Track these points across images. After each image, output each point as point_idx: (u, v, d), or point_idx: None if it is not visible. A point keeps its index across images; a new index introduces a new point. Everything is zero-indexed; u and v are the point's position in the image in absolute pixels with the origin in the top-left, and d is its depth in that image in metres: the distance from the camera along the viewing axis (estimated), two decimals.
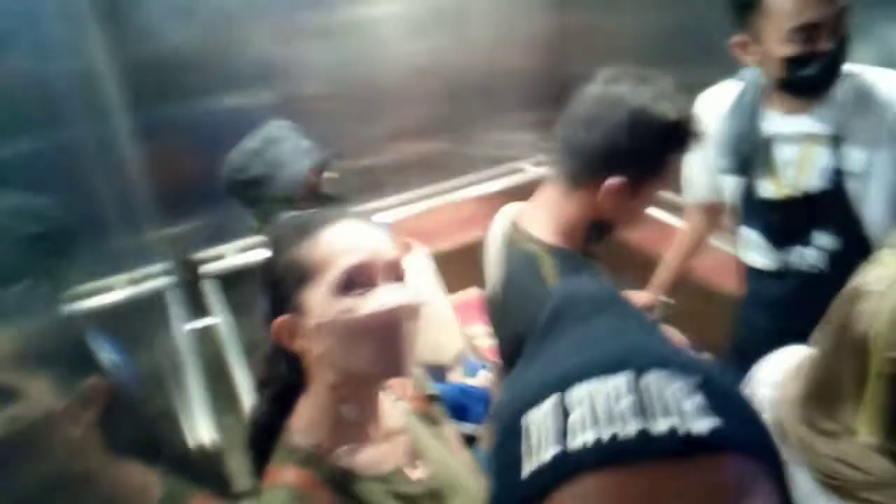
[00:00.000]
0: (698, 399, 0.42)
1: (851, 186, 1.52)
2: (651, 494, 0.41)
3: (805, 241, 1.62)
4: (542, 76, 2.93)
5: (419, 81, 2.65)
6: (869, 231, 1.53)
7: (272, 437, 1.00)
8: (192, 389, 1.66)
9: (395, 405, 1.15)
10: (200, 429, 1.48)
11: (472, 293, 2.88)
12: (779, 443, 0.95)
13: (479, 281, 2.85)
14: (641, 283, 2.12)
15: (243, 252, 2.46)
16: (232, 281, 2.37)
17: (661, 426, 0.41)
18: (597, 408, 0.43)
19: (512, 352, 1.29)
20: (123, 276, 1.11)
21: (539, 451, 0.44)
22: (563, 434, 0.43)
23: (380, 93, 2.59)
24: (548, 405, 0.45)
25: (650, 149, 1.16)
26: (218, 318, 2.19)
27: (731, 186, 1.71)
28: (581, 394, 0.44)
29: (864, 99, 1.48)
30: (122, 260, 1.06)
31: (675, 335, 1.57)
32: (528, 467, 0.44)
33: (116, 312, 1.05)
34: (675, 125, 1.15)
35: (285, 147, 1.61)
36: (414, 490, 1.05)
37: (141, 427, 0.96)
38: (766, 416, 0.99)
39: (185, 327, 2.03)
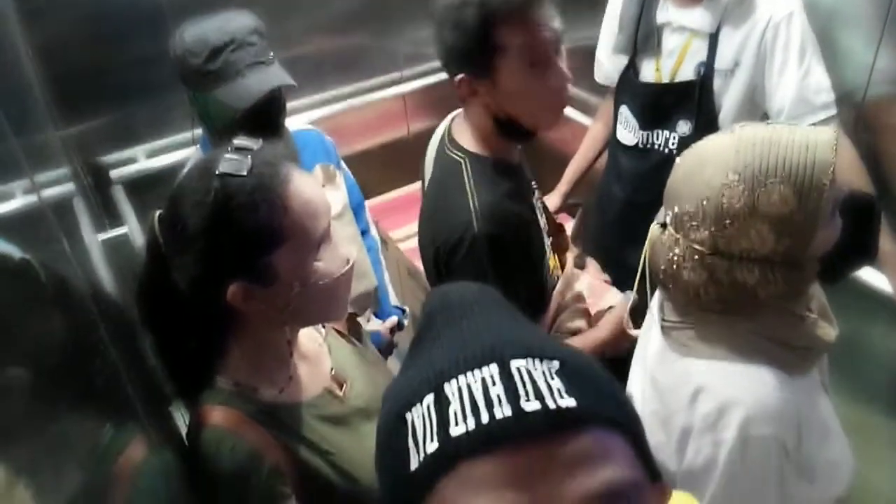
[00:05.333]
0: (558, 382, 0.47)
1: (717, 82, 1.68)
2: (527, 471, 0.44)
3: (668, 125, 1.77)
4: None
5: None
6: (721, 123, 1.70)
7: (198, 380, 1.00)
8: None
9: (313, 328, 1.15)
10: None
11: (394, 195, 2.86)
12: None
13: (398, 182, 2.84)
14: (556, 182, 2.16)
15: (155, 155, 2.34)
16: (143, 186, 2.26)
17: (532, 405, 0.45)
18: (474, 396, 0.46)
19: (431, 260, 1.30)
20: (21, 182, 1.03)
21: (424, 443, 0.47)
22: (445, 425, 0.46)
23: None
24: (428, 399, 0.48)
25: (473, 36, 1.16)
26: (130, 227, 2.10)
27: (619, 64, 1.86)
28: (457, 386, 0.47)
29: (745, 6, 1.62)
30: (17, 163, 0.98)
31: (593, 270, 1.65)
32: (415, 461, 0.47)
33: (15, 222, 0.98)
34: (492, 11, 1.14)
35: (248, 54, 1.47)
36: (341, 410, 1.07)
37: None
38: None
39: (96, 237, 1.94)
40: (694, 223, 0.98)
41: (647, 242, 1.10)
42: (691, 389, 1.04)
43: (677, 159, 1.05)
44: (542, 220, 1.46)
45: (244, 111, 1.46)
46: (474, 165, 1.27)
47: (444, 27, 1.19)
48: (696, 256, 1.00)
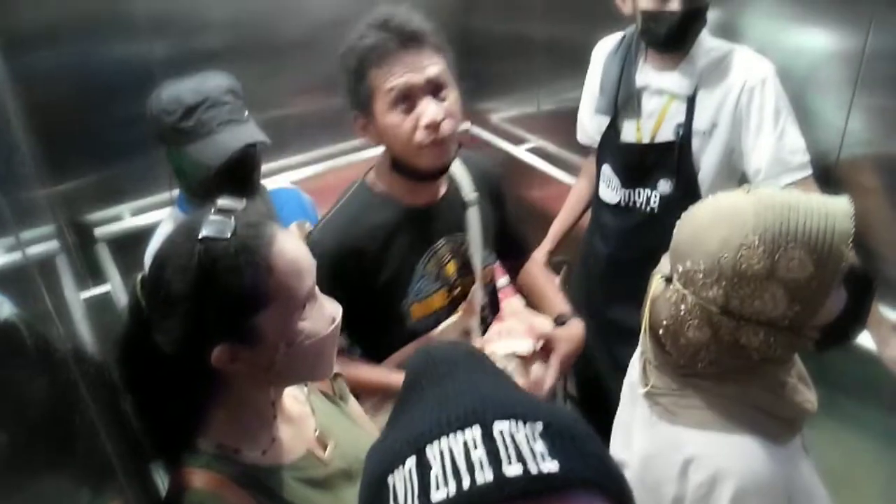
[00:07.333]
0: (541, 445, 0.46)
1: (695, 143, 1.73)
2: None
3: (650, 184, 1.82)
4: (449, 31, 2.88)
5: (324, 35, 2.56)
6: (700, 183, 1.76)
7: (179, 442, 0.98)
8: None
9: (297, 388, 1.14)
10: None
11: None
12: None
13: None
14: (541, 240, 2.18)
15: (140, 213, 2.34)
16: (127, 244, 2.26)
17: (513, 470, 0.44)
18: (455, 460, 0.46)
19: None
20: (5, 240, 1.03)
21: None
22: (426, 490, 0.45)
23: (283, 46, 2.50)
24: (410, 463, 0.47)
25: (353, 78, 1.31)
26: (114, 285, 2.09)
27: (601, 126, 1.91)
28: (439, 449, 0.47)
29: (720, 71, 1.69)
30: (2, 220, 0.98)
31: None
32: None
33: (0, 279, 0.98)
34: (364, 56, 1.27)
35: (222, 112, 1.50)
36: (324, 472, 1.05)
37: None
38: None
39: (78, 295, 1.92)
40: (707, 281, 0.97)
41: (648, 297, 1.09)
42: (682, 459, 1.03)
43: (683, 215, 1.05)
44: (435, 271, 1.46)
45: (217, 167, 1.47)
46: (357, 190, 1.43)
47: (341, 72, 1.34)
48: (705, 314, 0.99)
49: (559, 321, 1.54)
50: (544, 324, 1.50)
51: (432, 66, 1.29)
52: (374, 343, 1.44)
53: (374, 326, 1.39)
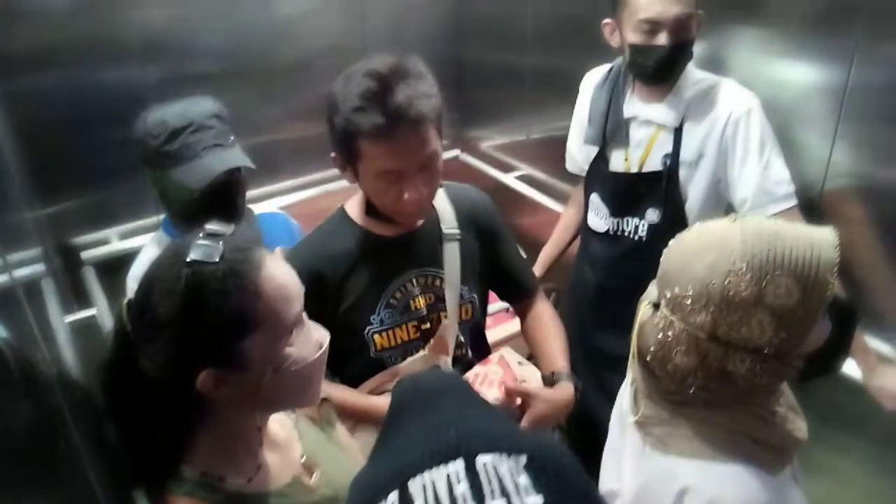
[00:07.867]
0: (525, 479, 0.46)
1: (682, 173, 1.75)
2: None
3: (638, 213, 1.83)
4: (441, 60, 2.92)
5: (317, 61, 2.59)
6: (688, 212, 1.78)
7: (163, 468, 0.97)
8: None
9: (284, 414, 1.13)
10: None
11: None
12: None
13: None
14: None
15: (127, 237, 2.34)
16: (114, 268, 2.24)
17: None
18: (438, 495, 0.45)
19: None
20: None
21: None
22: None
23: (276, 72, 2.51)
24: (393, 497, 0.47)
25: (340, 138, 1.27)
26: (99, 309, 2.07)
27: (589, 155, 1.93)
28: (422, 483, 0.47)
29: (706, 103, 1.71)
30: None
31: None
32: None
33: None
34: (355, 128, 1.22)
35: (207, 136, 1.51)
36: (310, 500, 1.04)
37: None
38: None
39: (62, 319, 1.90)
40: (695, 307, 0.97)
41: (636, 323, 1.08)
42: (676, 489, 1.02)
43: (670, 241, 1.06)
44: (401, 303, 1.44)
45: (200, 191, 1.48)
46: (334, 216, 1.46)
47: (326, 111, 1.30)
48: (692, 340, 0.99)
49: (549, 380, 1.46)
50: (532, 376, 1.45)
51: (426, 146, 1.25)
52: (341, 370, 1.43)
53: (339, 353, 1.35)
